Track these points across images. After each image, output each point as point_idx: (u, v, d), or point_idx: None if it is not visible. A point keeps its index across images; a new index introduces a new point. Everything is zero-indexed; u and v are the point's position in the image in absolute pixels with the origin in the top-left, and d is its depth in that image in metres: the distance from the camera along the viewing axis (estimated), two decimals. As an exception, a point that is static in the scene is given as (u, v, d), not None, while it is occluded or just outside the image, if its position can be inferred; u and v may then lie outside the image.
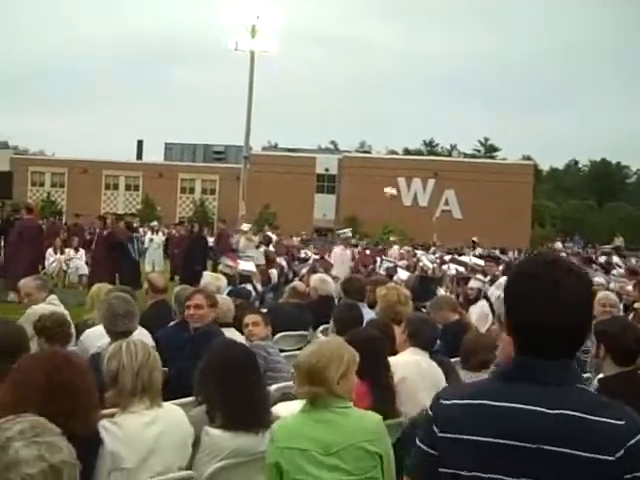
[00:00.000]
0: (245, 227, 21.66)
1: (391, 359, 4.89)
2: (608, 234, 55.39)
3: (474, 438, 1.85)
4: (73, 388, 3.04)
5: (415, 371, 4.94)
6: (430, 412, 1.94)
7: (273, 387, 4.99)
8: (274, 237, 21.91)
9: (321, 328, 7.30)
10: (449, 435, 1.87)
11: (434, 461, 1.89)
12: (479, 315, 9.21)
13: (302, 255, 17.31)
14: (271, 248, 15.92)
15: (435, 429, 1.87)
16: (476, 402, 1.88)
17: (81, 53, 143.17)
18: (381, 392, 4.42)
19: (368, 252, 16.03)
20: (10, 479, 2.04)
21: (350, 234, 18.86)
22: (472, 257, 16.38)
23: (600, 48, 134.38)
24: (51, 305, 6.43)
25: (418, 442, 1.91)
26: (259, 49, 32.88)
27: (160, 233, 27.55)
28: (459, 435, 1.87)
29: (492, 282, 11.75)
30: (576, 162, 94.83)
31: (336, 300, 8.51)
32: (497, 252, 28.15)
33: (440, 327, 5.93)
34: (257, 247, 16.82)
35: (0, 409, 3.02)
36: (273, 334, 6.69)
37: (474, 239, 29.59)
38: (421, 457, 1.93)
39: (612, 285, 10.90)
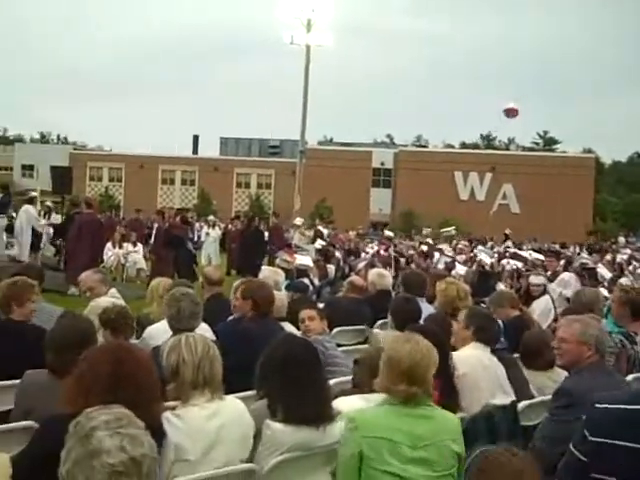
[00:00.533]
0: (298, 221, 21.84)
1: (453, 354, 4.84)
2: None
3: (628, 445, 1.75)
4: (136, 380, 3.07)
5: (477, 367, 4.87)
6: (583, 416, 1.87)
7: (331, 382, 4.97)
8: (325, 231, 21.96)
9: (379, 323, 7.24)
10: (600, 440, 1.79)
11: (583, 467, 1.81)
12: (542, 311, 9.07)
13: (368, 250, 17.24)
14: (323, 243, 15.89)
15: (586, 433, 1.80)
16: (632, 408, 1.78)
17: (138, 48, 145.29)
18: (447, 389, 4.39)
19: (425, 248, 15.87)
20: (92, 467, 2.08)
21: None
22: (532, 252, 16.13)
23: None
24: (113, 298, 6.53)
25: (571, 446, 1.84)
26: (314, 43, 32.89)
27: (217, 227, 27.79)
28: (611, 440, 1.78)
29: (553, 278, 11.56)
30: (639, 155, 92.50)
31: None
32: (557, 247, 27.58)
33: (500, 323, 5.83)
34: (312, 242, 16.87)
35: (67, 400, 3.08)
36: (330, 329, 6.68)
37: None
38: (571, 461, 1.86)
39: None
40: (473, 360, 4.89)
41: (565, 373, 4.69)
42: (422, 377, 3.39)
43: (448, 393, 4.37)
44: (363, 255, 14.63)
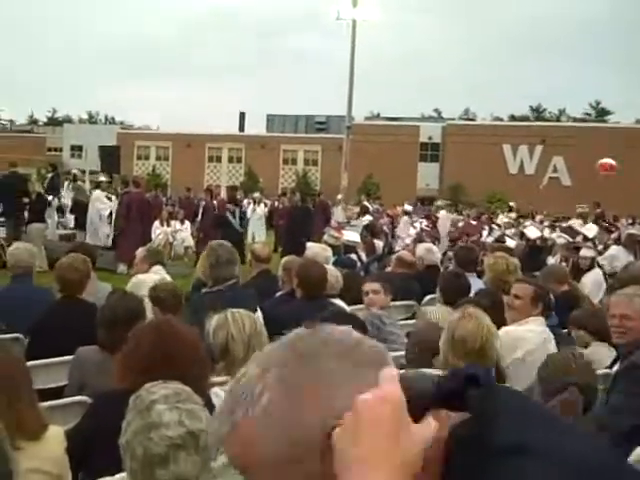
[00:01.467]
0: (339, 197, 21.91)
1: (519, 329, 4.78)
2: None
3: None
4: (177, 358, 3.08)
5: (539, 343, 4.78)
6: None
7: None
8: (370, 207, 21.93)
9: (427, 298, 7.20)
10: None
11: None
12: (592, 284, 8.90)
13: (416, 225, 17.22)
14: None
15: None
16: None
17: (184, 27, 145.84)
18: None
19: (474, 222, 15.71)
20: (150, 438, 2.13)
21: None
22: (584, 225, 15.85)
23: None
24: (156, 275, 6.59)
25: None
26: (360, 18, 32.61)
27: (262, 204, 27.86)
28: None
29: (604, 251, 11.36)
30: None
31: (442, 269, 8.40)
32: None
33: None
34: (358, 217, 16.84)
35: (117, 376, 3.13)
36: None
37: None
38: None
39: None
40: (536, 336, 4.81)
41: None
42: (487, 353, 3.35)
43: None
44: (411, 231, 14.58)
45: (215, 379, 3.52)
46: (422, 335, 4.17)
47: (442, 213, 20.77)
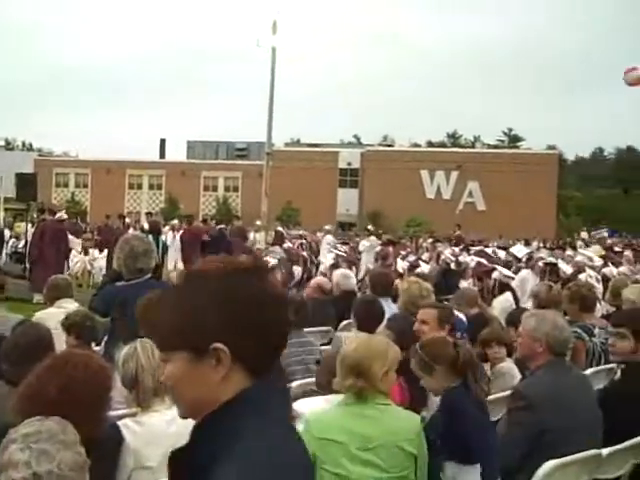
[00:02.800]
0: (258, 223, 22.07)
1: None
2: (635, 223, 54.80)
3: None
4: (85, 396, 3.02)
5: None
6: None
7: (294, 384, 5.01)
8: (284, 232, 22.16)
9: (343, 323, 7.28)
10: None
11: None
12: (503, 308, 9.15)
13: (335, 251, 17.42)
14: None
15: None
16: None
17: (102, 53, 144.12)
18: (417, 389, 4.36)
19: (391, 248, 15.99)
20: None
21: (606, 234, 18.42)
22: (496, 249, 16.33)
23: (623, 35, 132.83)
24: (62, 308, 6.23)
25: None
26: (280, 44, 32.88)
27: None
28: None
29: (516, 273, 11.71)
30: (601, 150, 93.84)
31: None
32: (522, 244, 27.84)
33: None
34: (273, 244, 16.94)
35: (14, 409, 3.05)
36: (296, 329, 6.72)
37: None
38: None
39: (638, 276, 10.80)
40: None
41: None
42: (366, 370, 3.35)
43: (413, 391, 4.41)
44: (329, 256, 14.74)
45: (125, 411, 3.50)
46: (327, 360, 4.22)
47: (368, 241, 20.97)
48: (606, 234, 38.70)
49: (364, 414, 3.36)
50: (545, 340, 4.12)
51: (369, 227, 27.08)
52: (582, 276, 10.43)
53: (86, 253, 19.89)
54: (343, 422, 3.34)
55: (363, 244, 19.10)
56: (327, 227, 26.45)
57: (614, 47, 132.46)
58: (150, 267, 5.35)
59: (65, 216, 18.16)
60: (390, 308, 6.78)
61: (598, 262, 12.49)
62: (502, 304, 9.03)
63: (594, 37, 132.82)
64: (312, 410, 3.61)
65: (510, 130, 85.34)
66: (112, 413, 3.36)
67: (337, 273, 8.72)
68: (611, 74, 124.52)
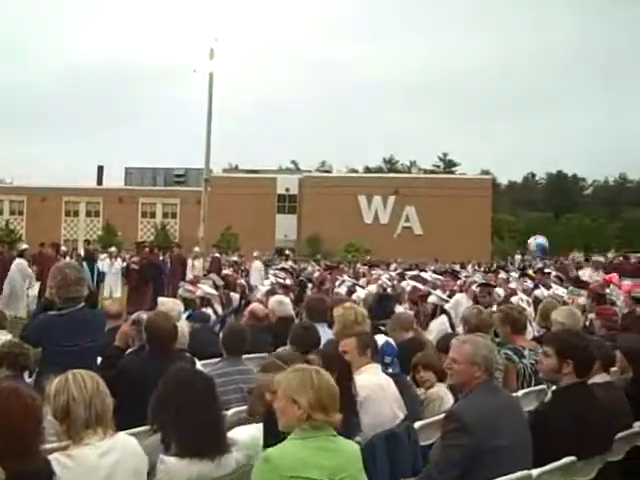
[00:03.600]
0: (196, 249, 22.04)
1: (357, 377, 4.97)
2: (567, 246, 56.23)
3: None
4: (16, 430, 2.98)
5: (376, 389, 4.99)
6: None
7: (229, 412, 5.01)
8: (221, 258, 22.25)
9: (279, 350, 7.29)
10: None
11: None
12: (439, 331, 9.28)
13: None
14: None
15: None
16: None
17: (37, 80, 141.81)
18: (350, 414, 4.37)
19: (329, 274, 16.13)
20: None
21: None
22: (432, 273, 16.57)
23: (554, 63, 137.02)
24: None
25: None
26: (218, 71, 32.95)
27: (119, 259, 27.36)
28: None
29: (450, 297, 11.88)
30: (533, 175, 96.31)
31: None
32: (457, 267, 28.36)
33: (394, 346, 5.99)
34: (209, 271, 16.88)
35: None
36: (233, 357, 6.71)
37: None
38: None
39: (566, 297, 11.08)
40: (372, 383, 5.00)
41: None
42: (331, 403, 3.40)
43: (350, 418, 4.44)
44: (266, 282, 14.75)
45: (55, 444, 3.45)
46: (263, 389, 4.23)
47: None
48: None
49: (323, 447, 3.37)
50: (484, 364, 4.23)
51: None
52: (514, 299, 10.65)
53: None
54: (308, 457, 3.31)
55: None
56: (255, 253, 26.54)
57: (546, 73, 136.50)
58: (82, 295, 5.31)
59: None
60: (326, 334, 6.83)
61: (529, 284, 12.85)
62: (438, 327, 9.16)
63: (525, 63, 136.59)
64: (273, 448, 3.44)
65: (445, 155, 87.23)
66: (42, 447, 3.32)
67: (272, 300, 8.72)
68: (542, 101, 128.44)
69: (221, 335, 6.20)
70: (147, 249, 22.07)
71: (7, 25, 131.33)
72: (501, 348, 6.08)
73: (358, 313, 6.53)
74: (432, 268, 23.43)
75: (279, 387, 3.51)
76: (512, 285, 13.85)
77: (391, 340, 5.85)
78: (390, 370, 5.44)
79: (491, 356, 4.32)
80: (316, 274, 19.03)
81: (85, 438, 3.40)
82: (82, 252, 19.38)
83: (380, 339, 5.68)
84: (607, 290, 11.47)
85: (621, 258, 25.57)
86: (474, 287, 12.05)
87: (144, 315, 6.17)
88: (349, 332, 5.82)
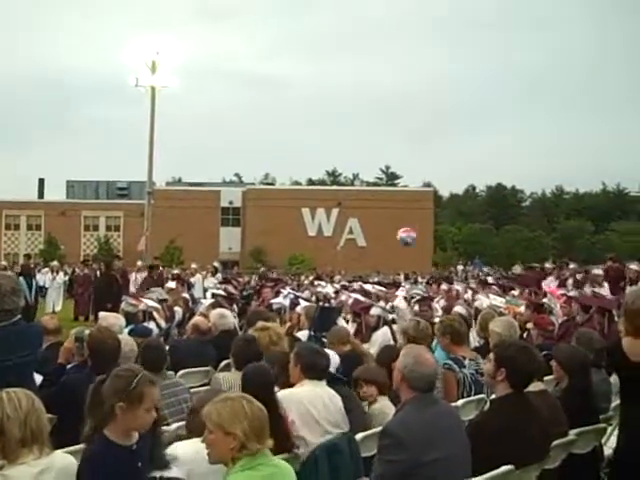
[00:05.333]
0: (139, 263, 21.89)
1: (287, 391, 4.98)
2: (506, 256, 57.34)
3: None
4: None
5: (314, 402, 4.99)
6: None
7: (173, 426, 4.97)
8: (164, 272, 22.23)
9: (223, 363, 7.27)
10: None
11: None
12: (381, 342, 9.35)
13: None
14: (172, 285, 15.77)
15: None
16: None
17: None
18: (279, 431, 4.32)
19: (272, 286, 16.13)
20: None
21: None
22: (375, 285, 16.68)
23: (491, 75, 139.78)
24: None
25: None
26: (159, 85, 32.80)
27: (61, 273, 26.98)
28: None
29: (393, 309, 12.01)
30: (474, 187, 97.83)
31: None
32: (401, 278, 28.62)
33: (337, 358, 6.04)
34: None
35: None
36: (175, 370, 6.68)
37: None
38: None
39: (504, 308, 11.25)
40: (308, 396, 5.02)
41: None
42: (265, 430, 3.42)
43: (280, 435, 4.43)
44: (208, 294, 14.68)
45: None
46: (203, 402, 4.18)
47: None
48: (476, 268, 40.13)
49: (273, 473, 3.42)
50: (407, 377, 4.27)
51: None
52: (455, 309, 10.80)
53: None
54: None
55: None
56: (193, 266, 26.49)
57: (487, 86, 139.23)
58: (19, 307, 5.15)
59: None
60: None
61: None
62: (380, 339, 9.23)
63: (467, 77, 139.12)
64: None
65: (387, 168, 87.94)
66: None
67: (214, 313, 8.70)
68: (483, 114, 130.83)
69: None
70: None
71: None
72: (442, 360, 6.20)
73: (273, 334, 6.53)
74: (375, 279, 23.58)
75: (209, 419, 3.46)
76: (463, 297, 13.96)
77: (333, 352, 5.89)
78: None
79: (416, 369, 4.29)
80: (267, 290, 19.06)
81: (20, 457, 3.35)
82: (18, 268, 18.97)
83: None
84: (545, 300, 11.74)
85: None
86: (413, 302, 12.21)
87: (87, 331, 6.09)
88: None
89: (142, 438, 3.69)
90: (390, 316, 10.88)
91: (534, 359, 4.69)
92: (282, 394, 4.90)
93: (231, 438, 3.35)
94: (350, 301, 11.45)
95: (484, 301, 11.39)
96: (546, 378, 5.53)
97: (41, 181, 67.95)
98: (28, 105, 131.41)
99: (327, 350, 5.80)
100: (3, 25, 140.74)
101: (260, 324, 6.84)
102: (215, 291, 13.88)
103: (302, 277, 26.96)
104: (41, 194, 66.90)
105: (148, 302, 11.51)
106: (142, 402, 3.55)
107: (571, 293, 11.98)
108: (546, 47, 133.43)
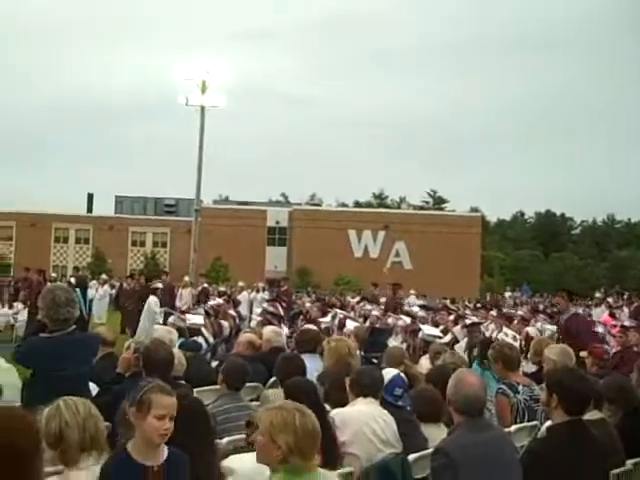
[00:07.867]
0: (186, 279, 22.11)
1: (342, 410, 4.95)
2: (554, 283, 56.46)
3: None
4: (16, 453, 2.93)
5: (368, 421, 4.98)
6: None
7: (225, 440, 4.98)
8: (209, 288, 22.42)
9: (271, 380, 7.26)
10: None
11: None
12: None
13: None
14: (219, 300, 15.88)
15: None
16: None
17: (31, 109, 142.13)
18: (328, 446, 4.32)
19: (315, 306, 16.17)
20: None
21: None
22: (423, 309, 16.57)
23: (543, 102, 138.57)
24: None
25: None
26: (209, 104, 33.34)
27: (107, 286, 27.48)
28: None
29: (445, 332, 11.89)
30: (522, 213, 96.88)
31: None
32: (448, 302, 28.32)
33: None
34: (198, 301, 16.88)
35: None
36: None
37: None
38: None
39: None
40: (362, 414, 5.00)
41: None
42: (309, 449, 3.37)
43: (329, 450, 4.41)
44: (257, 311, 14.74)
45: (51, 469, 3.42)
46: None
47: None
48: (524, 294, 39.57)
49: None
50: (452, 399, 4.34)
51: None
52: (500, 335, 10.65)
53: (10, 307, 19.53)
54: None
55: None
56: (240, 284, 26.65)
57: (534, 112, 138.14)
58: (74, 316, 5.25)
59: None
60: (316, 365, 6.83)
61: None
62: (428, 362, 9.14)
63: (516, 102, 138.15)
64: None
65: (434, 192, 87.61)
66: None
67: (268, 329, 8.70)
68: (531, 139, 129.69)
69: (221, 369, 6.12)
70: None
71: None
72: (497, 383, 6.13)
73: (350, 346, 6.58)
74: (420, 303, 23.42)
75: (260, 422, 3.47)
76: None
77: (402, 373, 5.84)
78: (400, 403, 5.44)
79: (469, 394, 4.31)
80: (307, 305, 19.02)
81: (80, 462, 3.38)
82: (73, 280, 19.30)
83: (391, 372, 5.69)
84: (599, 329, 11.54)
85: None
86: (460, 326, 12.07)
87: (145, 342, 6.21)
88: (341, 364, 5.85)
89: (175, 463, 3.63)
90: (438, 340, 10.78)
91: (586, 384, 4.63)
92: (335, 412, 4.90)
93: (276, 446, 3.33)
94: (400, 322, 11.40)
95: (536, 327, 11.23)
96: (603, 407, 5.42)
97: (90, 196, 69.05)
98: (80, 124, 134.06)
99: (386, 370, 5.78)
100: (53, 52, 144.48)
101: (335, 337, 6.90)
102: (265, 306, 13.93)
103: (348, 298, 26.86)
104: (90, 209, 68.07)
105: (193, 318, 11.66)
106: (151, 408, 3.54)
107: (626, 322, 11.73)
108: (591, 67, 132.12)
